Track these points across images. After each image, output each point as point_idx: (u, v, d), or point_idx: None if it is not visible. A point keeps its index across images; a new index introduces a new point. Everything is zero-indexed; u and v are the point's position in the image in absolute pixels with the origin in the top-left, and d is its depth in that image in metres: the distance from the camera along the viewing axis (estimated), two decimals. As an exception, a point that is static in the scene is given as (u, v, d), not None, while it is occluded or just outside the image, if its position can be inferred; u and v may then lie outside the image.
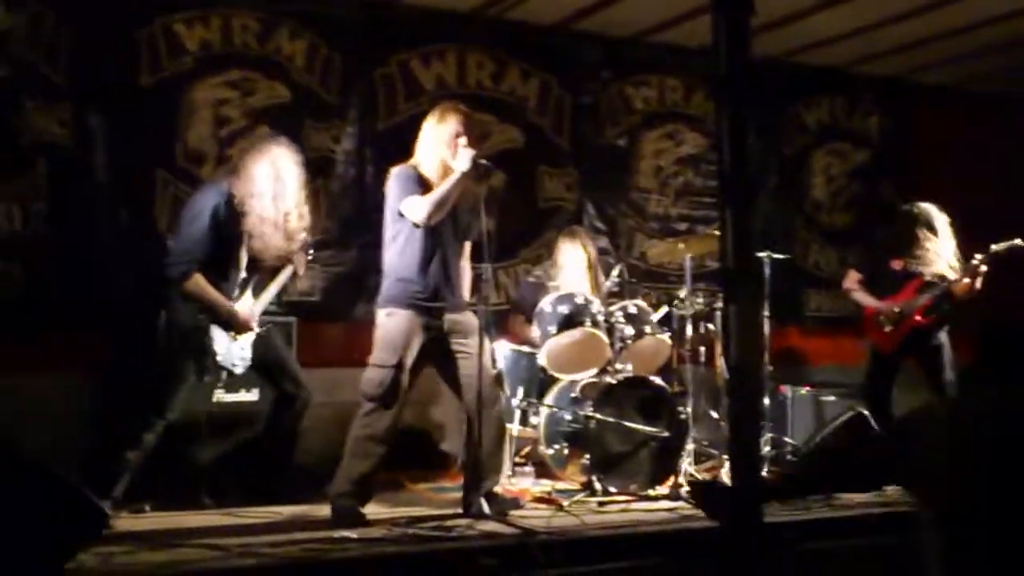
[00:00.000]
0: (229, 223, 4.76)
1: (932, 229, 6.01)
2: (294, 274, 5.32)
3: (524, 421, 5.63)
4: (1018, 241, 5.84)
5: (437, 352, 4.83)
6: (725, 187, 4.66)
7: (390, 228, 4.81)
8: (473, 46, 6.96)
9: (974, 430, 2.74)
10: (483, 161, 4.79)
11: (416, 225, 4.69)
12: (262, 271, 5.06)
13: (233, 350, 4.86)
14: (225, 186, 4.84)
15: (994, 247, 5.87)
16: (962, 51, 7.51)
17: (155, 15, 6.02)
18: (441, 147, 4.77)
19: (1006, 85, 8.18)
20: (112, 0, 5.88)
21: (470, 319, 4.85)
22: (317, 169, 6.40)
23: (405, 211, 4.69)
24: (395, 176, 4.81)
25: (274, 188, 4.80)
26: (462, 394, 4.80)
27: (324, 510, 4.70)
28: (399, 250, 4.77)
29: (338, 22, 6.53)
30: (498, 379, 4.94)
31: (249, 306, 4.97)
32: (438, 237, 4.77)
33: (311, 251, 5.44)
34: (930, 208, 6.07)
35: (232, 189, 4.80)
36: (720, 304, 5.75)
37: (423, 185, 4.73)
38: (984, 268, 5.85)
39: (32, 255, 5.57)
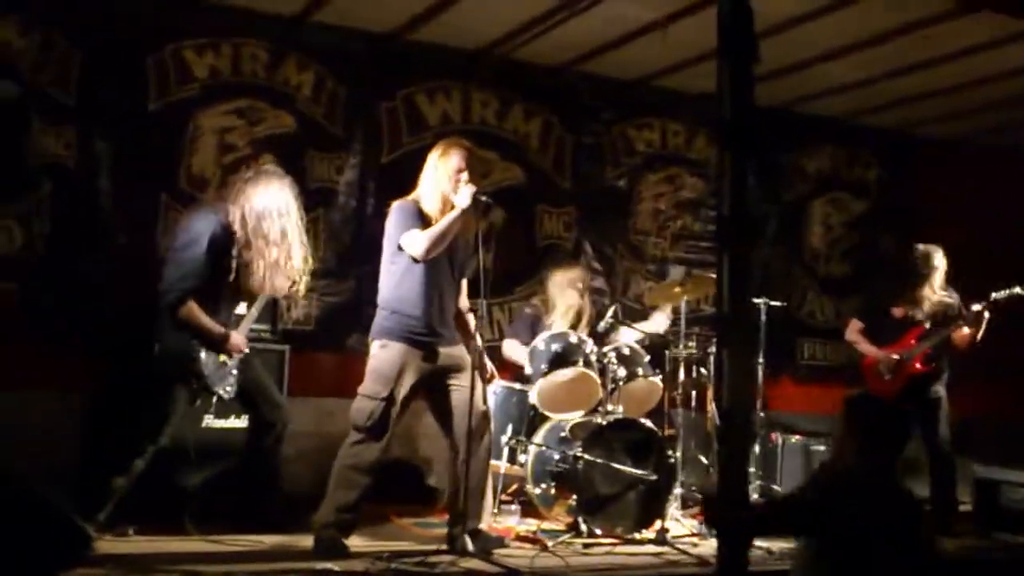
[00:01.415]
0: (224, 250, 4.79)
1: (931, 266, 6.06)
2: (275, 300, 5.33)
3: (512, 459, 5.62)
4: (1018, 289, 5.89)
5: (429, 386, 4.86)
6: (723, 231, 4.70)
7: (388, 261, 4.84)
8: (478, 84, 7.03)
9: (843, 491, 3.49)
10: (484, 197, 4.83)
11: (415, 259, 4.72)
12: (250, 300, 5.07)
13: (223, 375, 4.87)
14: (222, 213, 4.86)
15: (994, 295, 5.93)
16: (962, 106, 7.57)
17: (166, 41, 6.10)
18: (443, 182, 4.80)
19: (1007, 138, 8.23)
20: (123, 25, 5.96)
21: (463, 354, 4.88)
22: (318, 199, 6.48)
23: (404, 245, 4.73)
24: (396, 209, 4.84)
25: (279, 224, 4.83)
26: (452, 428, 4.82)
27: (307, 540, 4.68)
28: (396, 283, 4.80)
29: (346, 55, 6.61)
30: (486, 416, 4.96)
31: (245, 332, 4.99)
32: (435, 272, 4.80)
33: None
34: (929, 247, 6.13)
35: (229, 217, 4.82)
36: (713, 348, 5.77)
37: (423, 220, 4.77)
38: (985, 316, 5.89)
39: (30, 276, 5.62)
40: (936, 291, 6.11)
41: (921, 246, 6.19)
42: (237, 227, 4.79)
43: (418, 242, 4.68)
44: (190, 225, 4.93)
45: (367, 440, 4.66)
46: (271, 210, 4.84)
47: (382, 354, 4.73)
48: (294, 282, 4.95)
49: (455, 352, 4.87)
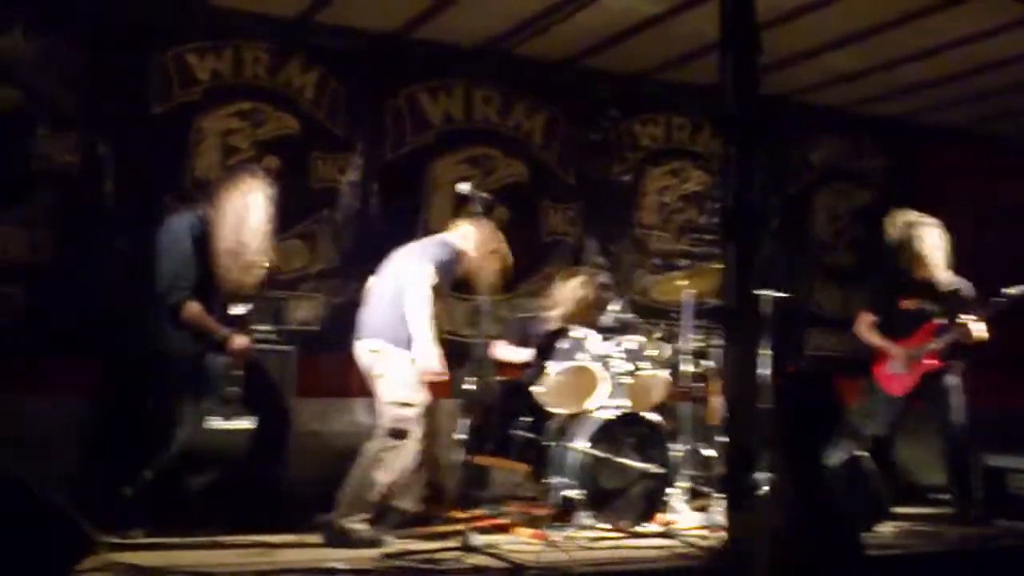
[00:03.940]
0: (206, 248, 4.81)
1: (915, 236, 6.02)
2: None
3: (517, 454, 5.63)
4: None
5: None
6: (728, 224, 4.71)
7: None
8: (481, 81, 7.04)
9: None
10: (484, 194, 5.03)
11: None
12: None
13: (227, 376, 4.89)
14: (201, 211, 4.91)
15: (1008, 291, 5.86)
16: (966, 94, 7.54)
17: (168, 45, 6.14)
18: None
19: (1012, 127, 8.20)
20: (125, 30, 6.01)
21: None
22: (322, 200, 6.52)
23: (419, 274, 4.92)
24: (444, 246, 5.11)
25: (238, 218, 4.84)
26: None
27: (314, 540, 4.73)
28: None
29: (348, 56, 6.63)
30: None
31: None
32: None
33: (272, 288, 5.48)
34: (911, 217, 6.11)
35: (206, 215, 4.86)
36: (719, 341, 5.76)
37: (457, 269, 5.12)
38: (998, 312, 5.85)
39: (35, 280, 5.66)
40: (940, 269, 6.03)
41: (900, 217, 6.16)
42: (214, 225, 4.81)
43: (424, 296, 4.90)
44: (168, 225, 4.97)
45: (401, 447, 4.86)
46: (236, 204, 4.85)
47: (423, 360, 4.90)
48: (249, 273, 4.93)
49: None
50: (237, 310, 4.95)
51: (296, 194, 6.39)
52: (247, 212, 4.86)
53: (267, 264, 4.98)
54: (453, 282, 5.23)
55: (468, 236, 5.19)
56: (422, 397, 4.97)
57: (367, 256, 6.27)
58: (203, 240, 4.80)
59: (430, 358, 4.90)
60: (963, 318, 5.89)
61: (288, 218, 6.34)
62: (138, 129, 6.02)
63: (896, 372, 6.11)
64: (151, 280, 4.93)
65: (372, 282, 5.30)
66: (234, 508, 4.96)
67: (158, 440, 4.73)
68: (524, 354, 5.97)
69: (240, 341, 4.89)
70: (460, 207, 5.45)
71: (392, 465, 4.88)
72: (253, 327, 5.11)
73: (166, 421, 4.76)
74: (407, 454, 4.92)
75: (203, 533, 4.81)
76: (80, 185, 5.84)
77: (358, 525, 4.77)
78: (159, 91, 6.11)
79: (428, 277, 4.94)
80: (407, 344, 4.95)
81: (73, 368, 5.40)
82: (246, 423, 5.03)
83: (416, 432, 4.93)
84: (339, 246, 6.57)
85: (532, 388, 5.66)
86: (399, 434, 4.88)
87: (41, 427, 5.14)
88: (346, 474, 4.97)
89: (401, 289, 5.00)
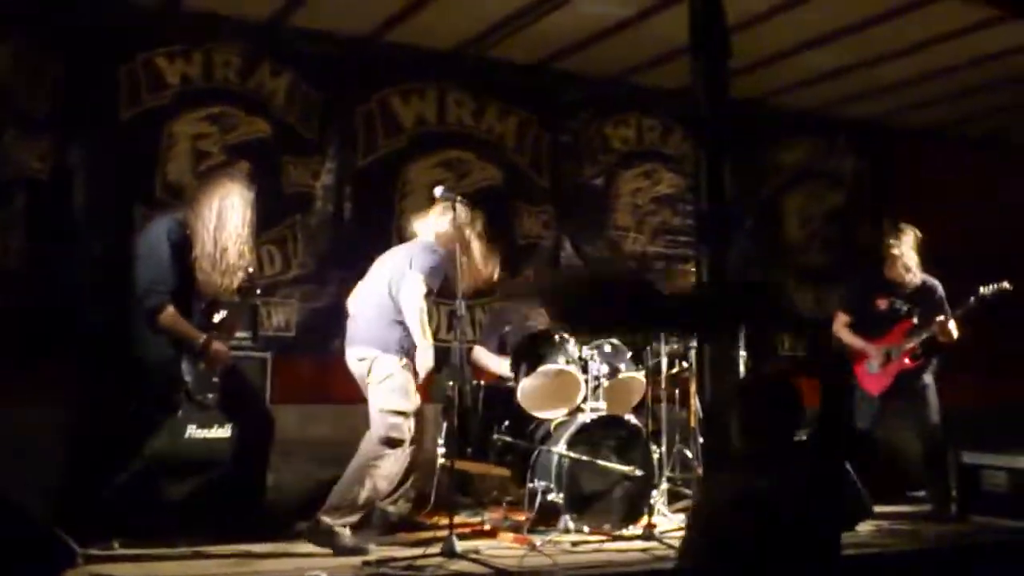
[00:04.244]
0: (185, 253, 4.75)
1: (897, 240, 6.09)
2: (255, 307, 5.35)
3: (498, 458, 5.61)
4: (1006, 284, 5.90)
5: None
6: (701, 226, 4.72)
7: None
8: (453, 84, 7.02)
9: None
10: (458, 197, 5.09)
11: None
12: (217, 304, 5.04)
13: (204, 383, 4.83)
14: (180, 215, 4.86)
15: (983, 290, 5.93)
16: (936, 94, 7.63)
17: (137, 50, 6.08)
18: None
19: (982, 127, 8.29)
20: (95, 35, 5.94)
21: None
22: (295, 205, 6.48)
23: (413, 284, 4.95)
24: (431, 252, 5.08)
25: (216, 222, 4.79)
26: None
27: (295, 547, 4.70)
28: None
29: (319, 60, 6.60)
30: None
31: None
32: None
33: (258, 290, 5.41)
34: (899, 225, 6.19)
35: (186, 219, 4.81)
36: (695, 343, 5.78)
37: (445, 271, 5.11)
38: (972, 311, 5.91)
39: (5, 289, 5.57)
40: (913, 271, 6.10)
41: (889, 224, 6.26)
42: (193, 229, 4.76)
43: (417, 303, 4.94)
44: (148, 230, 4.92)
45: (393, 454, 4.89)
46: (213, 208, 4.80)
47: (404, 370, 4.95)
48: (228, 276, 4.88)
49: None
50: (218, 316, 4.90)
51: (269, 199, 6.33)
52: (225, 215, 4.81)
53: (248, 268, 4.92)
54: (441, 284, 5.20)
55: (440, 225, 5.21)
56: (415, 404, 4.99)
57: (341, 261, 6.29)
58: (181, 244, 4.75)
59: (430, 360, 4.98)
60: (938, 317, 5.94)
61: (261, 223, 6.28)
62: (109, 135, 5.96)
63: (872, 372, 6.15)
64: (125, 285, 4.87)
65: (358, 289, 5.27)
66: (214, 516, 4.91)
67: (136, 448, 4.66)
68: (502, 362, 5.95)
69: (217, 347, 4.84)
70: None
71: (384, 471, 4.90)
72: (233, 332, 5.04)
73: (144, 429, 4.69)
74: (399, 460, 4.95)
75: (184, 543, 4.75)
76: (51, 190, 5.77)
77: (342, 530, 4.76)
78: (129, 96, 6.04)
79: (420, 286, 4.96)
80: (398, 351, 4.96)
81: (47, 377, 5.31)
82: (224, 431, 4.98)
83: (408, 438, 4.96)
84: (313, 251, 6.52)
85: (512, 392, 5.64)
86: (393, 442, 4.90)
87: (16, 436, 5.05)
88: (324, 480, 4.94)
89: (389, 296, 5.01)
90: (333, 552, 4.70)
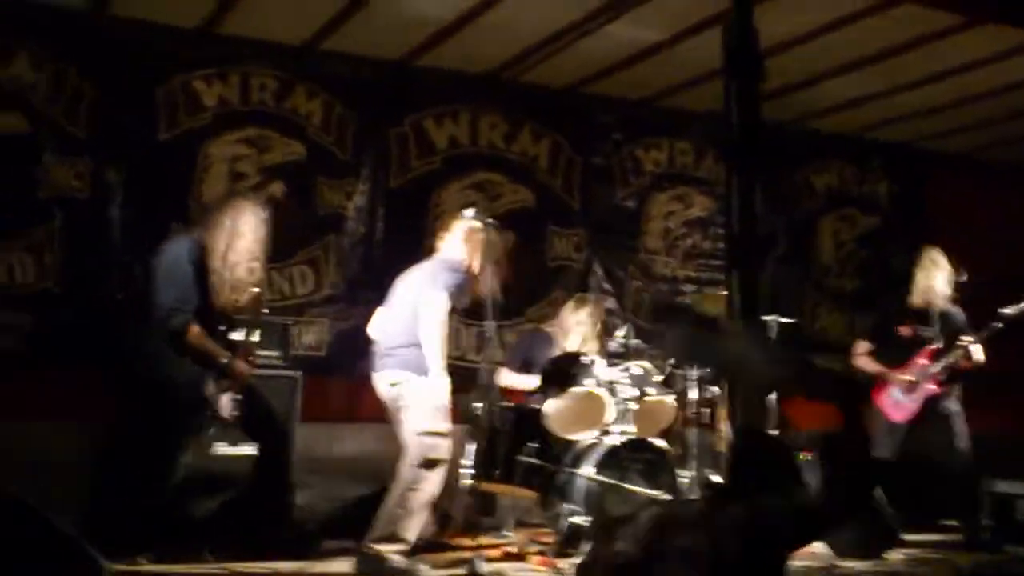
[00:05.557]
0: (203, 271, 4.79)
1: (927, 264, 6.06)
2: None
3: (524, 480, 5.61)
4: None
5: None
6: (733, 249, 4.71)
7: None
8: (486, 107, 7.07)
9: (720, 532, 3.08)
10: (490, 220, 5.08)
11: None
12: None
13: (227, 401, 4.86)
14: (197, 235, 4.90)
15: (1005, 311, 5.88)
16: (969, 120, 7.58)
17: (175, 72, 6.18)
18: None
19: (1017, 153, 8.22)
20: (133, 57, 6.05)
21: None
22: (328, 226, 6.54)
23: (434, 300, 4.89)
24: (454, 271, 5.03)
25: (227, 239, 4.82)
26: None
27: (321, 566, 4.72)
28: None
29: (354, 83, 6.67)
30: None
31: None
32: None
33: (265, 308, 5.44)
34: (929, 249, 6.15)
35: (202, 239, 4.86)
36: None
37: (468, 289, 5.09)
38: (995, 332, 5.86)
39: (43, 306, 5.67)
40: (939, 296, 6.06)
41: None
42: (208, 249, 4.80)
43: (439, 321, 4.88)
44: (166, 251, 4.92)
45: (432, 476, 4.82)
46: (227, 227, 4.84)
47: (438, 391, 4.89)
48: (238, 292, 4.87)
49: None
50: (236, 335, 4.93)
51: (302, 220, 6.43)
52: (237, 233, 4.83)
53: (256, 287, 4.92)
54: (465, 303, 5.21)
55: (464, 242, 5.17)
56: (450, 424, 4.92)
57: (373, 282, 6.32)
58: (200, 264, 4.79)
59: (441, 391, 4.89)
60: (963, 339, 5.90)
61: (294, 244, 6.39)
62: (146, 155, 6.05)
63: (897, 399, 6.09)
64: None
65: (379, 315, 5.27)
66: (240, 534, 4.94)
67: (164, 466, 4.71)
68: (529, 380, 5.97)
69: (240, 365, 4.87)
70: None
71: (427, 495, 4.81)
72: (257, 352, 5.06)
73: (171, 447, 4.75)
74: (438, 481, 4.87)
75: (210, 560, 4.79)
76: (88, 211, 5.88)
77: (393, 554, 4.69)
78: (167, 118, 6.14)
79: (443, 304, 4.91)
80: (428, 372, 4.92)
81: (80, 394, 5.39)
82: (250, 448, 5.02)
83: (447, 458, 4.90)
84: (345, 272, 6.58)
85: (539, 414, 5.65)
86: (431, 464, 4.82)
87: (48, 452, 5.13)
88: (352, 499, 4.94)
89: (417, 317, 4.95)
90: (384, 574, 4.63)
